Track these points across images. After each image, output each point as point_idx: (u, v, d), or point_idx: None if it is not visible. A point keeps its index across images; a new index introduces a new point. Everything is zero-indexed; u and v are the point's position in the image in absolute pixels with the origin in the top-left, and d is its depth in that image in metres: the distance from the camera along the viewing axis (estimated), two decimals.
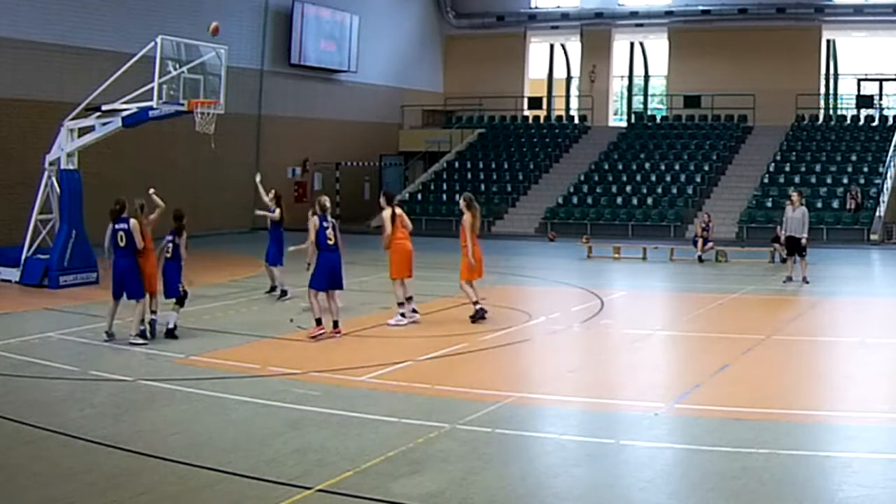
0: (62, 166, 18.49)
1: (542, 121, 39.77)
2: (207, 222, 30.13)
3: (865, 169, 31.42)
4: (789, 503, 6.94)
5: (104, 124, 18.46)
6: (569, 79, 42.19)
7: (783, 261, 22.37)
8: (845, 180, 30.81)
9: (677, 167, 33.65)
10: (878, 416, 9.21)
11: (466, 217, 14.49)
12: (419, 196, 34.75)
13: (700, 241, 23.98)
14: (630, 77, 41.34)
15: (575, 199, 32.77)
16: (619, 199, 32.31)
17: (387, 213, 14.51)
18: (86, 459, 7.94)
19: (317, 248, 13.29)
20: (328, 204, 13.72)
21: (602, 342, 13.85)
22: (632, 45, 40.46)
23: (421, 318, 14.50)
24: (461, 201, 14.87)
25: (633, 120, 38.88)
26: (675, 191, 32.36)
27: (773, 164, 32.63)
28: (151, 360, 11.74)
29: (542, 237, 30.45)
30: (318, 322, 13.08)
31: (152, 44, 17.66)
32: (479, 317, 14.39)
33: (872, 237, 28.17)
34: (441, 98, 41.50)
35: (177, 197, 28.74)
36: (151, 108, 17.67)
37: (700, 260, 23.59)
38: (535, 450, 8.48)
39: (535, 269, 22.38)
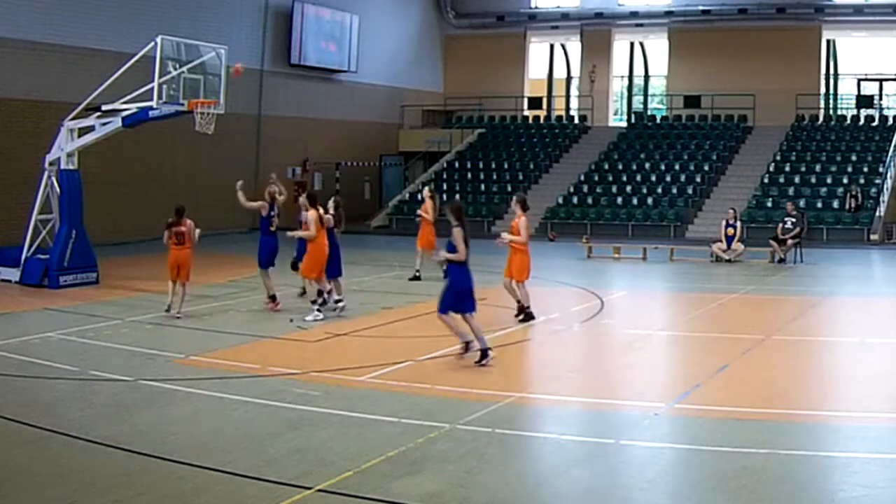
0: (62, 166, 18.48)
1: (542, 121, 39.74)
2: (207, 222, 30.07)
3: (865, 169, 31.39)
4: (789, 503, 6.94)
5: (104, 124, 18.45)
6: (569, 79, 42.16)
7: (782, 261, 22.42)
8: (845, 180, 30.79)
9: (677, 167, 33.62)
10: (878, 416, 9.21)
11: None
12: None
13: (724, 241, 23.08)
14: (630, 77, 41.31)
15: (575, 199, 32.75)
16: (619, 199, 32.28)
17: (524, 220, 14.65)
18: (86, 459, 7.93)
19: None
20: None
21: (602, 342, 13.85)
22: (632, 45, 40.44)
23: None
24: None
25: (633, 120, 38.85)
26: (675, 191, 32.33)
27: (773, 164, 32.61)
28: (151, 360, 11.74)
29: (542, 237, 30.43)
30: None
31: (152, 44, 17.64)
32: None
33: (872, 237, 28.14)
34: (441, 98, 41.47)
35: (177, 197, 29.11)
36: (151, 108, 17.65)
37: (729, 261, 22.78)
38: (535, 450, 8.47)
39: (534, 269, 22.25)
